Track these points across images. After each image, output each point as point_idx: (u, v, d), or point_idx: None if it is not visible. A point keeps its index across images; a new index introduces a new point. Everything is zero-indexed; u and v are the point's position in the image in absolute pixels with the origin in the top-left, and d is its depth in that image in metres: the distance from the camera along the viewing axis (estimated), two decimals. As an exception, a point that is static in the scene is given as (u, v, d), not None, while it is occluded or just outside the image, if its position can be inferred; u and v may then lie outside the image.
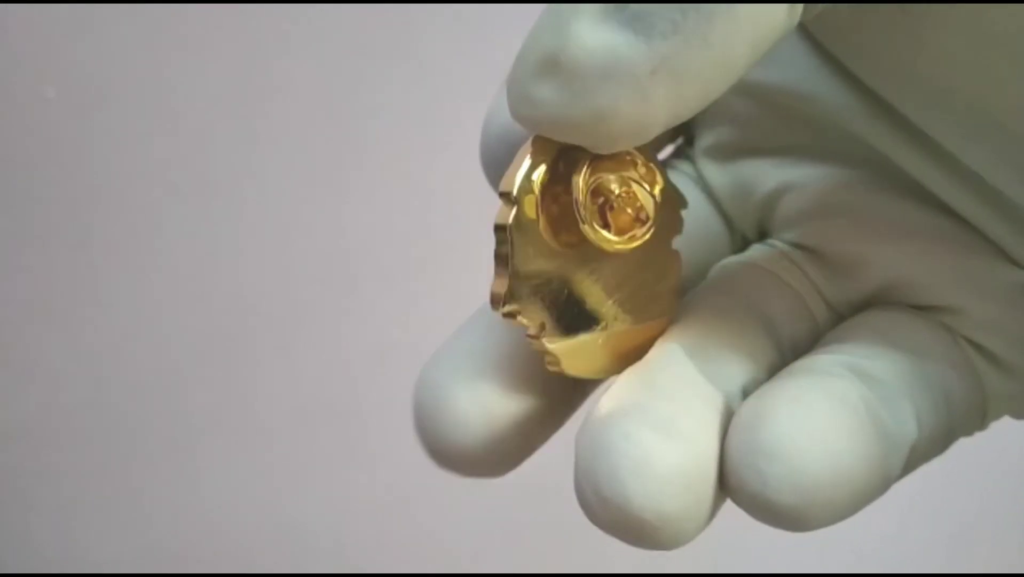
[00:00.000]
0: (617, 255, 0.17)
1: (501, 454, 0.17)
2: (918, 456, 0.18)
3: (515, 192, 0.16)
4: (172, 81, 0.56)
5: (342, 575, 0.51)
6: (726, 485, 0.16)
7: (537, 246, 0.17)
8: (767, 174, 0.20)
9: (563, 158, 0.16)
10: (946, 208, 0.19)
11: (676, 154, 0.22)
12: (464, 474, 0.18)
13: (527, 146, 0.16)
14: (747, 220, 0.21)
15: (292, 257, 0.54)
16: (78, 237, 0.55)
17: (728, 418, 0.17)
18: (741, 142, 0.21)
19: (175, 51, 0.56)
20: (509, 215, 0.16)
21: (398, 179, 0.53)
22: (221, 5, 0.55)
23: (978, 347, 0.19)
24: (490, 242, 0.17)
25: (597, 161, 0.16)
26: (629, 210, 0.17)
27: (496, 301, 0.17)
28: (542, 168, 0.16)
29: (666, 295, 0.18)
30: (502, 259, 0.17)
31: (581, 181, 0.16)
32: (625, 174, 0.17)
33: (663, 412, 0.16)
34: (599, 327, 0.18)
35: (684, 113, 0.15)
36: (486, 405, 0.17)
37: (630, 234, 0.17)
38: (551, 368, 0.17)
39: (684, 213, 0.18)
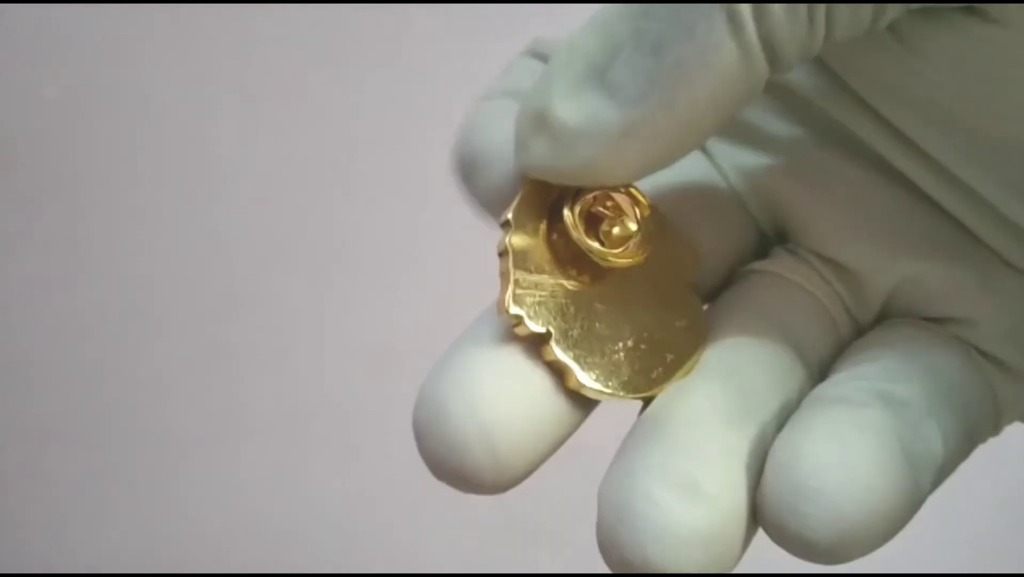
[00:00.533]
0: (627, 287, 0.18)
1: (504, 473, 0.17)
2: (945, 473, 0.18)
3: (511, 216, 0.18)
4: (171, 80, 0.56)
5: (342, 575, 0.51)
6: (763, 522, 0.16)
7: (538, 264, 0.18)
8: (784, 178, 0.20)
9: (556, 191, 0.18)
10: (953, 219, 0.20)
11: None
12: (466, 492, 0.17)
13: (523, 181, 0.18)
14: (768, 223, 0.21)
15: (292, 257, 0.54)
16: (77, 236, 0.55)
17: (758, 457, 0.17)
18: (755, 143, 0.21)
19: (175, 50, 0.56)
20: (507, 238, 0.18)
21: (395, 178, 0.53)
22: (221, 5, 0.55)
23: (990, 356, 0.19)
24: (489, 242, 0.18)
25: (585, 191, 0.18)
26: (617, 228, 0.18)
27: (502, 307, 0.17)
28: (534, 197, 0.18)
29: (686, 336, 0.19)
30: (505, 274, 0.18)
31: (571, 205, 0.18)
32: (610, 201, 0.18)
33: (685, 471, 0.16)
34: (616, 347, 0.18)
35: (657, 167, 0.17)
36: (488, 426, 0.17)
37: (623, 248, 0.18)
38: (567, 384, 0.18)
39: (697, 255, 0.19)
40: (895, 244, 0.20)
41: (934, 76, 0.18)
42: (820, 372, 0.19)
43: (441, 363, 0.18)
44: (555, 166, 0.17)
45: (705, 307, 0.20)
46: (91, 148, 0.55)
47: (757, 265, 0.20)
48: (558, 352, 0.17)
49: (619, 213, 0.18)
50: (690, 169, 0.21)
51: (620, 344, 0.18)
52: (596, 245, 0.18)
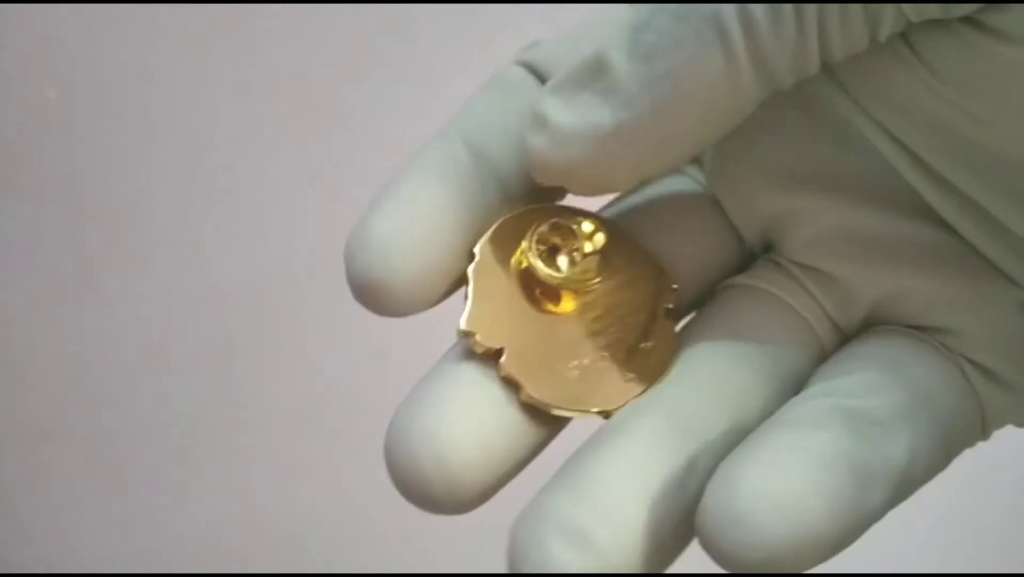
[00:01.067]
0: (593, 309, 0.19)
1: (457, 491, 0.18)
2: (914, 483, 0.18)
3: (477, 249, 0.19)
4: (172, 81, 0.56)
5: (342, 575, 0.51)
6: (700, 541, 0.17)
7: (503, 289, 0.19)
8: (773, 192, 0.21)
9: (528, 225, 0.19)
10: (948, 228, 0.20)
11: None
12: (432, 512, 0.18)
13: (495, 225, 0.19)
14: (752, 235, 0.21)
15: (293, 256, 0.54)
16: (78, 236, 0.55)
17: (688, 490, 0.18)
18: (750, 159, 0.21)
19: (175, 51, 0.56)
20: (471, 266, 0.19)
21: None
22: (223, 6, 0.55)
23: (977, 365, 0.19)
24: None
25: (543, 224, 0.19)
26: (570, 258, 0.19)
27: (461, 326, 0.19)
28: (506, 230, 0.19)
29: (651, 358, 0.19)
30: (465, 297, 0.19)
31: (531, 235, 0.19)
32: (568, 232, 0.19)
33: (581, 520, 0.17)
34: (571, 364, 0.19)
35: (647, 173, 0.18)
36: (439, 446, 0.18)
37: (579, 276, 0.19)
38: (520, 398, 0.18)
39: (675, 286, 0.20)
40: (882, 254, 0.20)
41: (941, 90, 0.18)
42: (797, 386, 0.19)
43: (412, 388, 0.19)
44: (550, 160, 0.18)
45: (688, 319, 0.21)
46: (93, 149, 0.55)
47: (738, 279, 0.21)
48: (509, 367, 0.18)
49: (574, 243, 0.19)
50: (671, 181, 0.21)
51: (576, 362, 0.19)
52: (552, 272, 0.19)
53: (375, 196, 0.19)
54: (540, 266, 0.19)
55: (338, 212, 0.53)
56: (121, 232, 0.55)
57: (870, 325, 0.20)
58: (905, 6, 0.17)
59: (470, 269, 0.19)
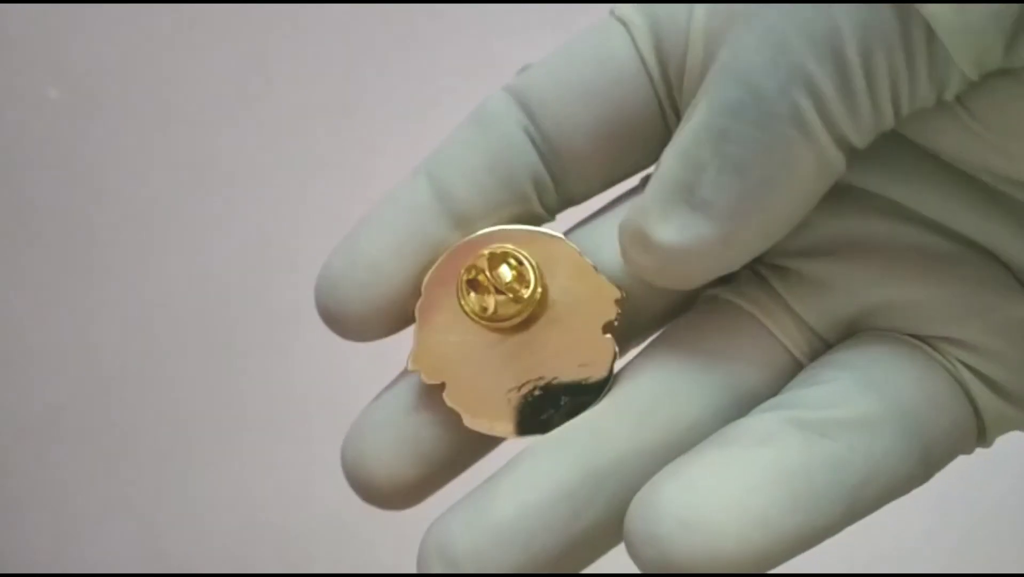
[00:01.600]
0: (533, 334, 0.20)
1: (409, 500, 0.21)
2: (877, 495, 0.18)
3: (423, 287, 0.20)
4: (173, 81, 0.56)
5: (343, 575, 0.51)
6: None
7: (447, 323, 0.20)
8: None
9: (463, 262, 0.20)
10: (952, 238, 0.20)
11: None
12: (383, 509, 0.21)
13: (444, 254, 0.20)
14: None
15: (295, 256, 0.54)
16: (79, 236, 0.55)
17: (557, 519, 0.19)
18: None
19: (176, 51, 0.56)
20: (417, 304, 0.20)
21: (398, 179, 0.53)
22: (222, 5, 0.55)
23: (978, 374, 0.19)
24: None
25: (474, 261, 0.20)
26: (492, 295, 0.20)
27: (407, 361, 0.20)
28: (448, 266, 0.20)
29: (588, 378, 0.20)
30: (414, 334, 0.20)
31: (462, 273, 0.20)
32: (495, 270, 0.20)
33: (454, 545, 0.19)
34: (508, 393, 0.20)
35: (753, 255, 0.19)
36: (397, 473, 0.20)
37: (504, 310, 0.20)
38: (465, 424, 0.20)
39: (619, 303, 0.21)
40: (877, 258, 0.20)
41: (987, 137, 0.18)
42: (757, 396, 0.20)
43: (365, 412, 0.22)
44: (659, 275, 0.19)
45: (658, 334, 0.21)
46: (94, 150, 0.55)
47: (718, 291, 0.21)
48: (451, 399, 0.20)
49: (500, 282, 0.20)
50: None
51: (513, 391, 0.20)
52: (476, 312, 0.20)
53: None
54: (468, 307, 0.20)
55: (339, 212, 0.53)
56: (121, 232, 0.55)
57: (861, 330, 0.20)
58: (967, 69, 0.17)
59: (416, 306, 0.20)
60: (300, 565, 0.52)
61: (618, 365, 0.20)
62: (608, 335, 0.20)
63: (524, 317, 0.20)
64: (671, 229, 0.18)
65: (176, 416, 0.53)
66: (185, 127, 0.55)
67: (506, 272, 0.20)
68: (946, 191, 0.19)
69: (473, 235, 0.20)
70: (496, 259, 0.20)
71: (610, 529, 0.19)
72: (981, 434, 0.20)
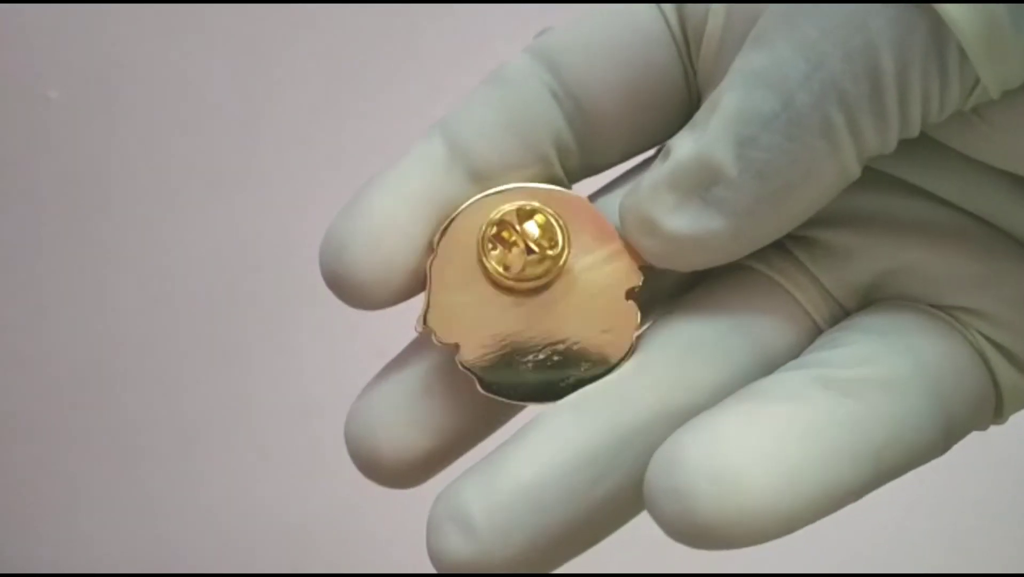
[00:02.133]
0: (552, 299, 0.19)
1: (416, 476, 0.20)
2: (902, 460, 0.18)
3: (436, 242, 0.19)
4: (173, 81, 0.56)
5: (344, 575, 0.51)
6: (648, 511, 0.17)
7: (462, 282, 0.19)
8: None
9: (480, 220, 0.19)
10: (972, 215, 0.20)
11: None
12: (388, 487, 0.20)
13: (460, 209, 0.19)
14: None
15: (296, 256, 0.54)
16: (79, 237, 0.55)
17: (578, 478, 0.18)
18: None
19: (176, 51, 0.56)
20: (429, 261, 0.19)
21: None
22: (222, 5, 0.55)
23: (998, 346, 0.19)
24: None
25: (497, 217, 0.19)
26: (514, 253, 0.19)
27: (418, 321, 0.19)
28: (465, 224, 0.19)
29: (608, 344, 0.20)
30: (426, 292, 0.19)
31: (482, 229, 0.19)
32: (519, 228, 0.19)
33: (469, 507, 0.18)
34: (526, 359, 0.19)
35: (761, 246, 0.19)
36: (405, 446, 0.19)
37: (525, 270, 0.19)
38: (479, 389, 0.19)
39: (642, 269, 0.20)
40: (895, 228, 0.20)
41: (1000, 139, 0.18)
42: (779, 359, 0.19)
43: (372, 382, 0.20)
44: (667, 259, 0.19)
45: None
46: (93, 149, 0.55)
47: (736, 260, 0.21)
48: (466, 360, 0.19)
49: (524, 240, 0.19)
50: None
51: (531, 356, 0.19)
52: (500, 271, 0.19)
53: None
54: (490, 265, 0.19)
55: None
56: (122, 232, 0.55)
57: (879, 299, 0.20)
58: (992, 89, 0.17)
59: (428, 263, 0.19)
60: (302, 565, 0.52)
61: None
62: (631, 301, 0.20)
63: (547, 280, 0.19)
64: (682, 220, 0.18)
65: (176, 416, 0.53)
66: (185, 127, 0.55)
67: (533, 228, 0.19)
68: (960, 177, 0.19)
69: (491, 191, 0.19)
70: (524, 215, 0.19)
71: (631, 496, 0.18)
72: (998, 408, 0.19)
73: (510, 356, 0.19)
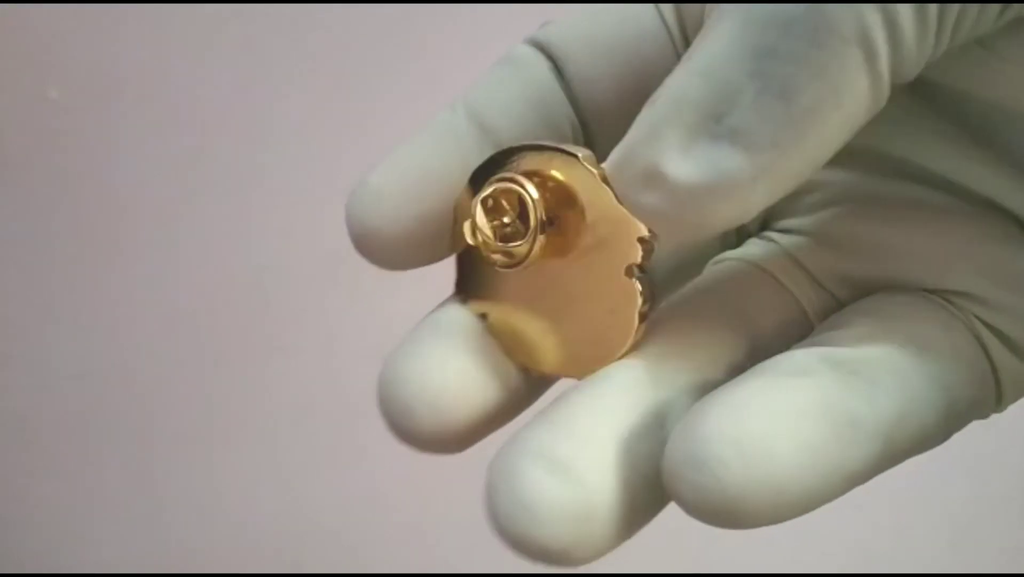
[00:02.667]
0: (563, 273, 0.19)
1: (444, 425, 0.18)
2: (907, 442, 0.17)
3: (457, 208, 0.19)
4: (174, 81, 0.56)
5: (343, 575, 0.51)
6: (664, 486, 0.16)
7: (479, 256, 0.18)
8: None
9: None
10: (970, 195, 0.19)
11: None
12: (422, 451, 0.18)
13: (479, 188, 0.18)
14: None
15: (296, 256, 0.54)
16: (81, 236, 0.55)
17: (645, 441, 0.17)
18: None
19: (177, 51, 0.56)
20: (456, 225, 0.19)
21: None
22: (223, 5, 0.55)
23: (996, 332, 0.19)
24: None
25: (490, 187, 0.18)
26: (506, 218, 0.18)
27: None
28: (472, 182, 0.19)
29: (616, 322, 0.19)
30: (457, 259, 0.19)
31: (479, 204, 0.18)
32: (515, 198, 0.18)
33: (559, 452, 0.16)
34: (546, 330, 0.19)
35: (775, 200, 0.16)
36: (441, 401, 0.18)
37: (521, 245, 0.18)
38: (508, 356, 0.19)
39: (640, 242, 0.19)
40: (898, 216, 0.19)
41: (1014, 72, 0.17)
42: (770, 351, 0.19)
43: (406, 339, 0.19)
44: (674, 219, 0.16)
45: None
46: (93, 149, 0.55)
47: (728, 254, 0.21)
48: (494, 332, 0.19)
49: (519, 211, 0.18)
50: None
51: (551, 329, 0.19)
52: (497, 244, 0.18)
53: None
54: (492, 243, 0.18)
55: (341, 212, 0.53)
56: (122, 232, 0.55)
57: (878, 289, 0.20)
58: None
59: (452, 229, 0.19)
60: (303, 564, 0.52)
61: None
62: (634, 280, 0.18)
63: (524, 259, 0.18)
64: (691, 164, 0.15)
65: (177, 416, 0.53)
66: (186, 127, 0.55)
67: (527, 203, 0.18)
68: (952, 145, 0.19)
69: (503, 148, 0.19)
70: (512, 190, 0.18)
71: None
72: (998, 396, 0.19)
73: (533, 328, 0.19)
